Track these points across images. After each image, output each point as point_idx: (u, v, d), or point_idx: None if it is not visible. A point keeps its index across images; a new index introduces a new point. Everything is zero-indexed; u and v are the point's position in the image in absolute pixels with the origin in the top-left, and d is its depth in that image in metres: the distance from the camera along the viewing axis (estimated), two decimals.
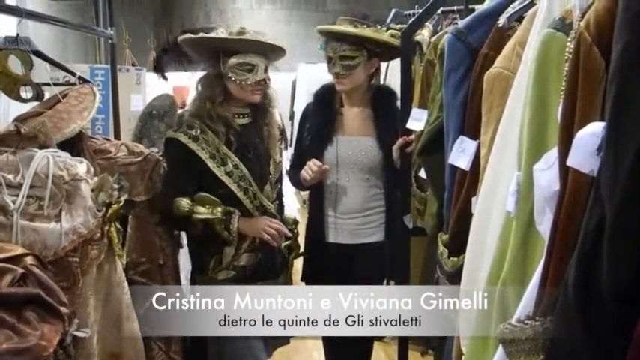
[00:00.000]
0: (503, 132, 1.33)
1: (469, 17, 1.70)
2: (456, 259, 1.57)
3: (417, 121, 2.08)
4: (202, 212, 2.02)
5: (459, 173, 1.60)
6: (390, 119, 2.35)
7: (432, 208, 2.04)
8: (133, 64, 5.65)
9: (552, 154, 1.06)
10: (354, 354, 2.42)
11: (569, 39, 1.05)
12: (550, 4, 1.23)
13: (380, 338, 3.27)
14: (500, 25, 1.50)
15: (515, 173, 1.20)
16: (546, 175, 1.06)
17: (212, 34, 2.05)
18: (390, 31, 2.28)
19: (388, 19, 3.01)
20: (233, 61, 2.03)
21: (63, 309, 1.27)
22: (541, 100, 1.13)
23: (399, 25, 2.37)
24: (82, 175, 1.51)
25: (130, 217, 2.11)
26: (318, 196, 2.39)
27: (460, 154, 1.58)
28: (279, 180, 2.25)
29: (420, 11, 2.28)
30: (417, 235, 2.30)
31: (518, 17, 1.47)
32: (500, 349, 1.10)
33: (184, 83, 4.86)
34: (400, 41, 2.20)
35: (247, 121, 2.14)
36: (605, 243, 0.82)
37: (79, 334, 1.32)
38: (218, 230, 2.03)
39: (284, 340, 2.30)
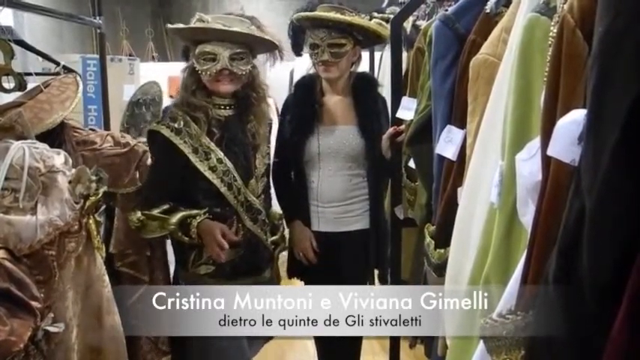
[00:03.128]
0: (488, 120, 1.28)
1: (458, 3, 1.65)
2: (442, 250, 1.54)
3: (408, 110, 2.04)
4: (153, 229, 1.98)
5: (446, 163, 1.57)
6: (371, 107, 2.33)
7: (421, 199, 2.00)
8: (131, 55, 5.60)
9: (535, 144, 1.02)
10: (345, 344, 2.40)
11: (552, 22, 1.01)
12: None
13: None
14: (487, 10, 1.46)
15: (498, 163, 1.17)
16: (529, 165, 1.02)
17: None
18: (373, 19, 2.25)
19: (384, 5, 2.98)
20: (197, 50, 2.01)
21: (35, 304, 1.23)
22: (524, 86, 1.09)
23: (381, 15, 2.33)
24: (58, 167, 1.47)
25: (117, 208, 2.08)
26: (301, 186, 2.37)
27: (447, 143, 1.54)
28: (266, 173, 2.20)
29: None
30: (408, 226, 2.27)
31: (506, 2, 1.43)
32: (481, 344, 1.07)
33: (179, 74, 4.79)
34: (390, 29, 2.16)
35: (230, 112, 2.08)
36: (585, 236, 0.78)
37: (52, 329, 1.29)
38: (177, 238, 2.00)
39: None
